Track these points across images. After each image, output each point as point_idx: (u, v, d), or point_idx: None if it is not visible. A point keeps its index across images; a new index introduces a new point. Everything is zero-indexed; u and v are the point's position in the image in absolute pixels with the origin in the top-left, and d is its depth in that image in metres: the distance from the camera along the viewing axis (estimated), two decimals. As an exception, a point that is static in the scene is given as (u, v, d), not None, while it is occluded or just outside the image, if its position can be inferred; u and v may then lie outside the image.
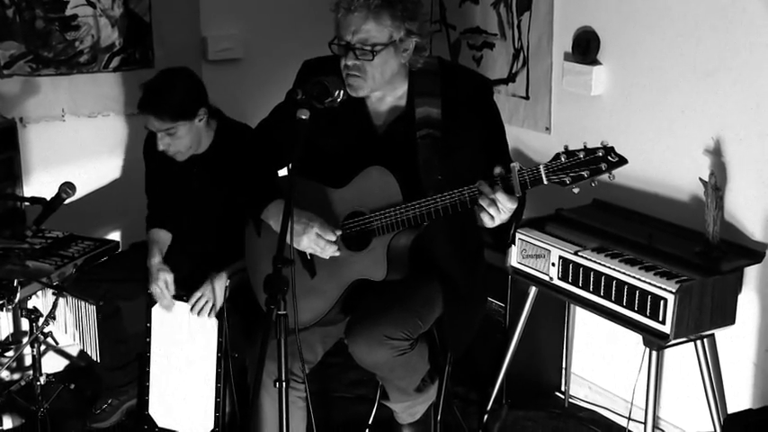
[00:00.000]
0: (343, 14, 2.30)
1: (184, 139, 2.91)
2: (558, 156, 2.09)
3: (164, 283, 2.91)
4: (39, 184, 3.43)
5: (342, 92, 2.28)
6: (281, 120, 2.50)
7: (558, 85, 3.29)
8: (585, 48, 3.14)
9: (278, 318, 2.05)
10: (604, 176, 2.08)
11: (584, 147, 2.08)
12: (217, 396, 2.91)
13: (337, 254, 2.38)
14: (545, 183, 2.11)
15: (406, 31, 2.32)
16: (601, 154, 2.06)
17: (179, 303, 2.94)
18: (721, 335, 2.79)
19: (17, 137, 3.35)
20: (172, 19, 3.58)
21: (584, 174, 2.06)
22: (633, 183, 3.05)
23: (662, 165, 2.99)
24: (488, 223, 2.19)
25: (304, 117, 2.16)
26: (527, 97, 3.42)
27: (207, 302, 2.86)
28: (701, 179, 2.74)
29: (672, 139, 2.95)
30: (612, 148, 2.06)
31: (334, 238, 2.36)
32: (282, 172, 2.57)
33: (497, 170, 2.14)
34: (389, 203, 2.32)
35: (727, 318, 2.72)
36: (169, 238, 3.06)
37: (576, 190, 2.09)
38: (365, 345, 2.36)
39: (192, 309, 2.88)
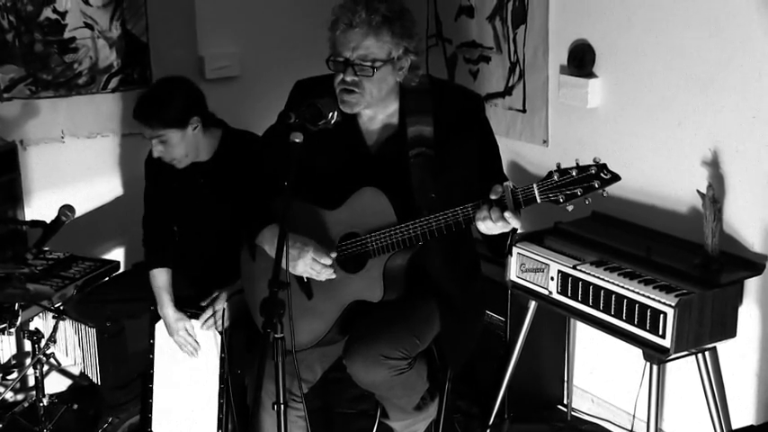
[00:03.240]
0: (342, 30, 2.30)
1: (178, 148, 2.91)
2: (550, 174, 2.09)
3: (184, 332, 2.93)
4: (40, 206, 3.45)
5: (335, 113, 2.28)
6: (274, 142, 2.50)
7: (554, 98, 3.29)
8: (581, 60, 3.14)
9: (275, 341, 2.05)
10: (598, 193, 2.08)
11: (577, 164, 2.07)
12: (219, 413, 2.92)
13: (333, 276, 2.38)
14: (538, 201, 2.11)
15: (404, 49, 2.33)
16: (593, 171, 2.05)
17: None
18: (723, 348, 2.78)
19: (18, 159, 3.37)
20: (169, 39, 3.60)
21: (578, 191, 2.06)
22: (631, 195, 3.05)
23: (660, 177, 2.98)
24: (485, 231, 2.22)
25: (297, 140, 2.16)
26: (524, 110, 3.42)
27: (219, 321, 2.88)
28: (698, 191, 2.74)
29: (669, 151, 2.95)
30: (605, 164, 2.06)
31: (329, 262, 2.36)
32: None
33: (493, 196, 2.14)
34: (383, 224, 2.32)
35: (728, 331, 2.71)
36: (170, 274, 3.01)
37: (570, 208, 2.09)
38: (363, 365, 2.36)
39: (203, 325, 2.91)
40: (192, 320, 2.94)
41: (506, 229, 2.18)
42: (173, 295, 2.97)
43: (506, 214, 2.12)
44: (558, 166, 2.09)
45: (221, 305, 2.88)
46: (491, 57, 3.52)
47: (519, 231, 2.40)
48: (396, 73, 2.35)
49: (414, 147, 2.38)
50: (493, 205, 2.14)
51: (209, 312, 2.89)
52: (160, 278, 2.99)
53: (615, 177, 2.05)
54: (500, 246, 2.34)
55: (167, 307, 2.95)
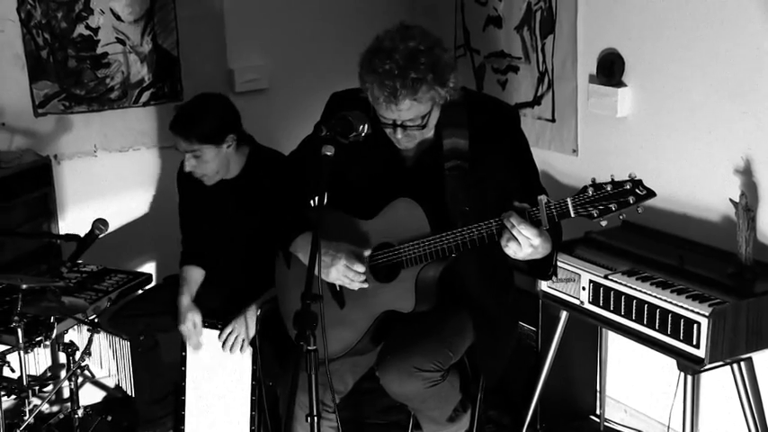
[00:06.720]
0: (386, 100, 2.23)
1: (211, 164, 2.96)
2: (585, 189, 2.08)
3: (192, 324, 2.97)
4: (73, 219, 3.49)
5: (366, 126, 2.29)
6: (309, 153, 2.52)
7: (583, 108, 3.29)
8: (610, 69, 3.13)
9: (308, 353, 2.07)
10: (632, 209, 2.06)
11: (612, 179, 2.06)
12: (251, 424, 2.94)
13: (366, 285, 2.39)
14: (572, 216, 2.10)
15: (445, 90, 2.27)
16: (628, 187, 2.04)
17: (213, 332, 2.99)
18: (759, 358, 2.75)
19: (52, 174, 3.41)
20: (199, 53, 3.64)
21: (612, 207, 2.05)
22: (663, 204, 3.03)
23: (691, 185, 2.97)
24: (517, 254, 2.18)
25: (329, 153, 2.18)
26: (553, 120, 3.42)
27: (237, 337, 2.90)
28: (731, 200, 2.72)
29: (700, 159, 2.93)
30: (640, 180, 2.04)
31: (362, 270, 2.37)
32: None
33: (523, 204, 2.14)
34: (417, 235, 2.33)
35: (764, 340, 2.67)
36: (201, 275, 3.09)
37: (603, 223, 2.08)
38: (396, 377, 2.37)
39: (223, 345, 2.92)
40: (212, 330, 2.97)
41: (528, 251, 2.15)
42: (194, 291, 3.03)
43: (522, 227, 2.10)
44: (593, 180, 2.08)
45: (252, 318, 2.90)
46: (519, 67, 3.52)
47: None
48: (440, 106, 2.34)
49: (449, 159, 2.38)
50: (525, 217, 2.12)
51: (227, 330, 2.92)
52: (189, 273, 3.07)
53: (650, 194, 2.03)
54: (543, 268, 2.32)
55: (184, 296, 3.00)
